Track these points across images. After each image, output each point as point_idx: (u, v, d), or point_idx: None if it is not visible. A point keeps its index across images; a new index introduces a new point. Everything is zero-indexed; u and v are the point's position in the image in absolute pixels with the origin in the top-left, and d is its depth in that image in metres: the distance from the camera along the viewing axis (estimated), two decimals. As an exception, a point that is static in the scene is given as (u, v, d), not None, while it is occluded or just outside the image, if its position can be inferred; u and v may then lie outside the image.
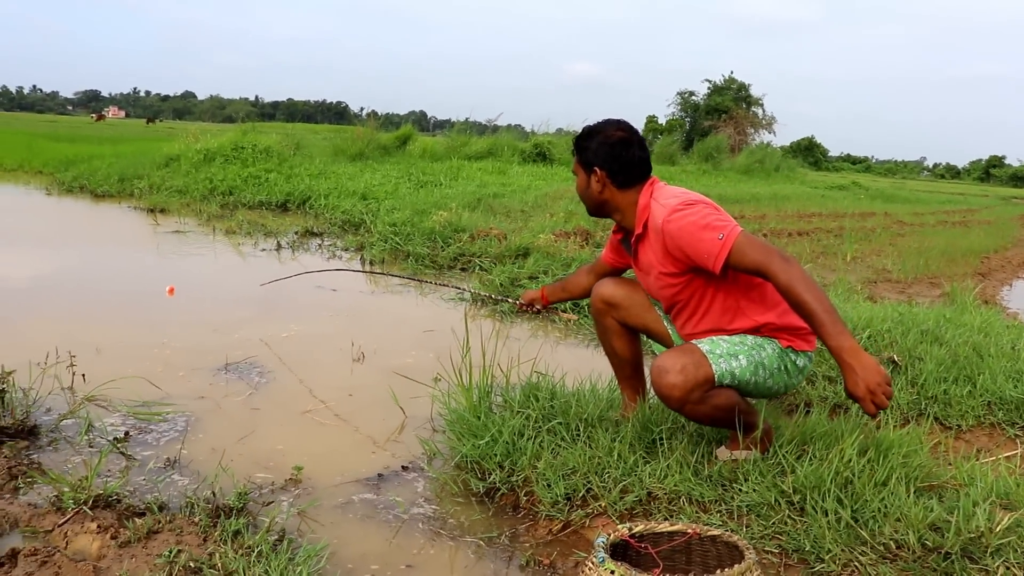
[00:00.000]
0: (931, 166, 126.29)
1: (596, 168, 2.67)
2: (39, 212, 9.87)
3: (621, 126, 2.69)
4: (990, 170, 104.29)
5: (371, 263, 6.87)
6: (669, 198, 2.57)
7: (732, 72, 58.86)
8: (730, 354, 2.50)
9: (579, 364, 4.04)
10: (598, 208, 2.78)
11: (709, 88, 53.15)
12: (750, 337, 2.57)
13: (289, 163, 13.39)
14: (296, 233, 8.32)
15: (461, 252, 6.90)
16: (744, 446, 2.61)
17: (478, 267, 6.51)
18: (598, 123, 2.71)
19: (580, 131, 2.75)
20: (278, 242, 7.65)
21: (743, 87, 52.20)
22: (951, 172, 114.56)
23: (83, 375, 3.46)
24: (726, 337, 2.56)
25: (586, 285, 3.19)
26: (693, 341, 2.57)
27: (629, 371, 3.07)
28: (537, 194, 11.44)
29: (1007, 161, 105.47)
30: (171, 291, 5.16)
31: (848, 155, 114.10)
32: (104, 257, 6.88)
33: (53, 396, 3.30)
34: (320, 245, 7.78)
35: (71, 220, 9.39)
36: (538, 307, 3.37)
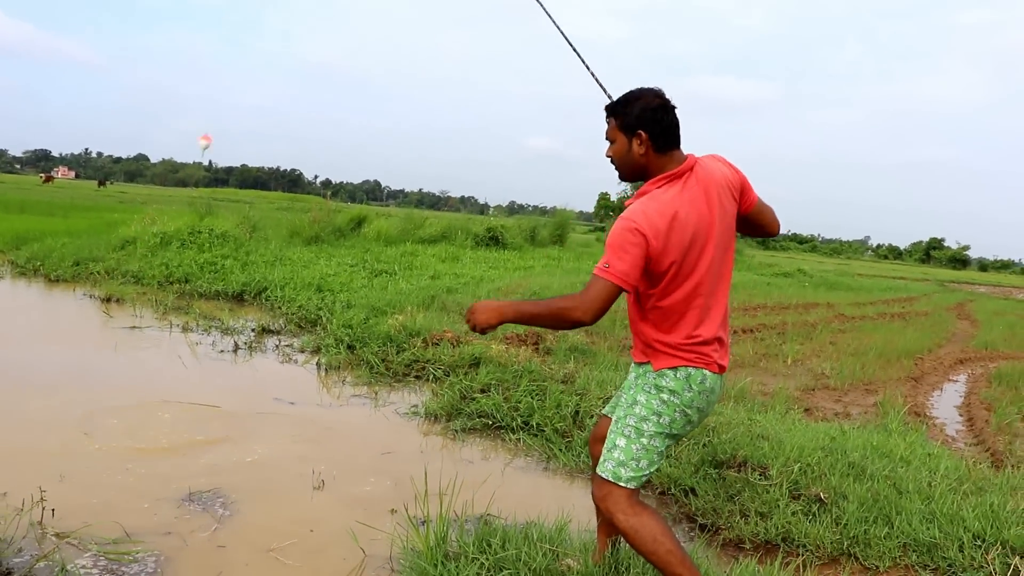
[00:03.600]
0: (875, 246, 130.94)
1: (640, 132, 2.77)
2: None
3: (656, 93, 2.81)
4: (930, 251, 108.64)
5: (327, 369, 7.04)
6: (653, 199, 2.73)
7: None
8: (609, 448, 2.83)
9: (527, 492, 4.27)
10: (638, 171, 2.87)
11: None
12: (638, 399, 2.83)
13: (245, 248, 13.57)
14: (253, 331, 8.46)
15: (415, 358, 7.11)
16: None
17: (431, 376, 6.73)
18: (634, 90, 2.83)
19: (618, 98, 2.86)
20: (235, 342, 7.78)
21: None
22: (893, 253, 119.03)
23: (52, 510, 3.60)
24: (614, 424, 2.87)
25: None
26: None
27: None
28: (490, 287, 11.75)
29: (946, 243, 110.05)
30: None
31: (795, 234, 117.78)
32: (58, 360, 6.87)
33: (22, 532, 3.42)
34: (277, 345, 7.93)
35: (24, 310, 9.40)
36: None
